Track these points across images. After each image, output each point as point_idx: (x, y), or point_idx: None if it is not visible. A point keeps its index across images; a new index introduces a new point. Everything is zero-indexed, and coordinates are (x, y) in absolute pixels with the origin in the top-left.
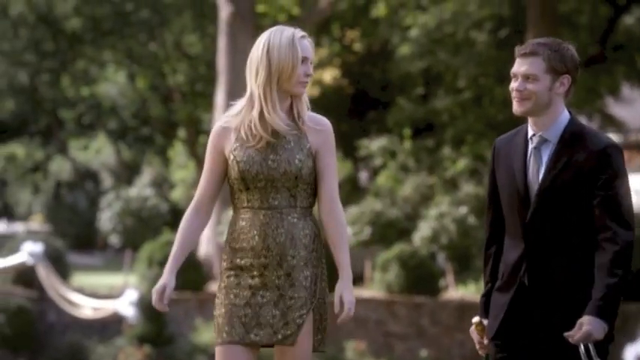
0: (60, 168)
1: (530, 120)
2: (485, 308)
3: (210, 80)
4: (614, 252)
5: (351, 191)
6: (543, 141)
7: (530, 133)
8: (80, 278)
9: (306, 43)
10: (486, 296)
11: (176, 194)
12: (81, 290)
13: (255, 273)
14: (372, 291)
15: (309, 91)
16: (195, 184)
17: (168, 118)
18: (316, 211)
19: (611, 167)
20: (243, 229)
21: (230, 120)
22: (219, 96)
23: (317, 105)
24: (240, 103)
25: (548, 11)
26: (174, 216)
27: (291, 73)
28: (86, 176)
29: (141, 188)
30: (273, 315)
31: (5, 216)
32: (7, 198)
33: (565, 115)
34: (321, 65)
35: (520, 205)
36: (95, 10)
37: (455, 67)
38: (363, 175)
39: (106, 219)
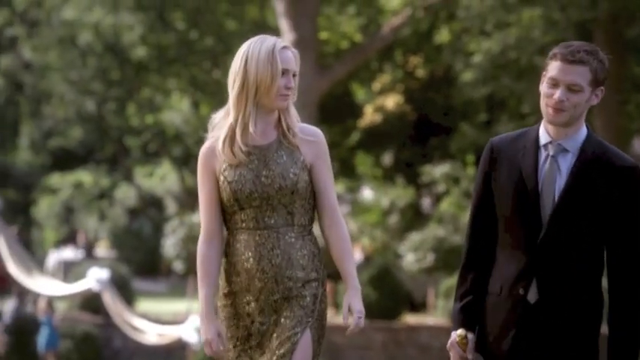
0: (125, 195)
1: (548, 126)
2: (467, 320)
3: None
4: (636, 299)
5: (414, 218)
6: (562, 150)
7: (543, 139)
8: (145, 304)
9: (288, 54)
10: (468, 308)
11: None
12: (145, 316)
13: (250, 298)
14: (436, 318)
15: (371, 118)
16: None
17: None
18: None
19: (634, 191)
20: (237, 251)
21: (215, 134)
22: None
23: (379, 131)
24: (219, 116)
25: (615, 36)
26: None
27: (270, 85)
28: (151, 203)
29: None
30: (271, 339)
31: (72, 242)
32: (74, 225)
33: (584, 127)
34: (383, 92)
35: (529, 214)
36: (160, 39)
37: (519, 93)
38: (426, 202)
39: (170, 245)
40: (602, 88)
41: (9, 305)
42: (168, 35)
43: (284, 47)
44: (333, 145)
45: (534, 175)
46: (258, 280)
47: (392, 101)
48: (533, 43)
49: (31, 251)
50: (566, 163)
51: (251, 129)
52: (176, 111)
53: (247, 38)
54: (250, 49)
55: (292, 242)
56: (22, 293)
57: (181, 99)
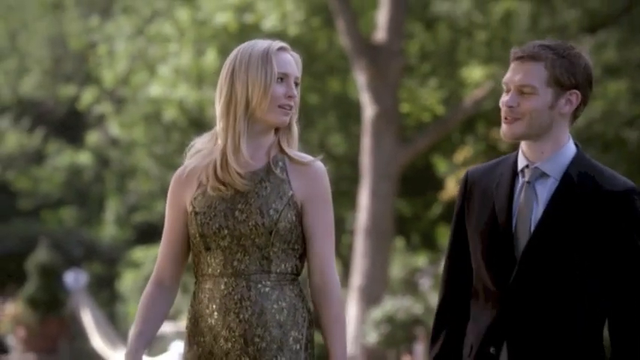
0: None
1: (523, 147)
2: None
3: (355, 180)
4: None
5: None
6: (540, 175)
7: (521, 163)
8: None
9: (286, 57)
10: None
11: None
12: None
13: None
14: None
15: (453, 191)
16: (340, 283)
17: None
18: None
19: (634, 219)
20: (201, 304)
21: (194, 160)
22: (363, 195)
23: None
24: (201, 141)
25: None
26: (317, 317)
27: (263, 95)
28: None
29: None
30: None
31: None
32: None
33: (571, 146)
34: (465, 164)
35: (500, 255)
36: None
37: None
38: None
39: None
40: (576, 92)
41: None
42: None
43: (281, 48)
44: (413, 218)
45: (507, 207)
46: (223, 340)
47: None
48: (620, 116)
49: (115, 325)
50: (546, 191)
51: (240, 153)
52: None
53: (329, 112)
54: (239, 53)
55: (267, 292)
56: None
57: None
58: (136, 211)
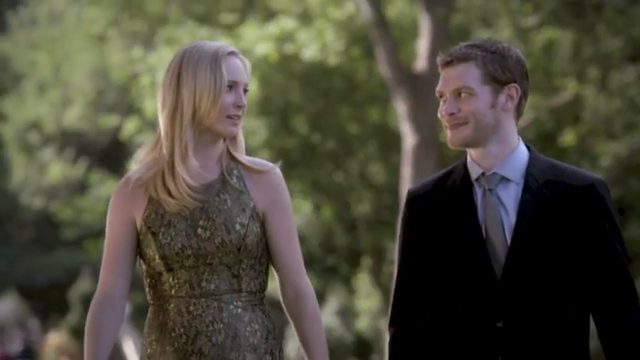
0: None
1: (473, 154)
2: None
3: (395, 209)
4: (630, 346)
5: None
6: (499, 180)
7: (474, 172)
8: None
9: (236, 63)
10: None
11: (361, 324)
12: None
13: None
14: None
15: None
16: (381, 313)
17: (353, 247)
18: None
19: (604, 213)
20: (164, 327)
21: (138, 171)
22: None
23: None
24: (143, 151)
25: None
26: (359, 346)
27: (212, 104)
28: (273, 306)
29: (326, 318)
30: None
31: None
32: None
33: (522, 146)
34: None
35: (476, 270)
36: (284, 143)
37: None
38: None
39: (293, 349)
40: (514, 86)
41: None
42: (291, 139)
43: (230, 53)
44: None
45: (472, 220)
46: None
47: None
48: None
49: None
50: (511, 196)
51: (193, 162)
52: (298, 213)
53: (369, 141)
54: (185, 56)
55: (239, 314)
56: None
57: (304, 202)
58: None
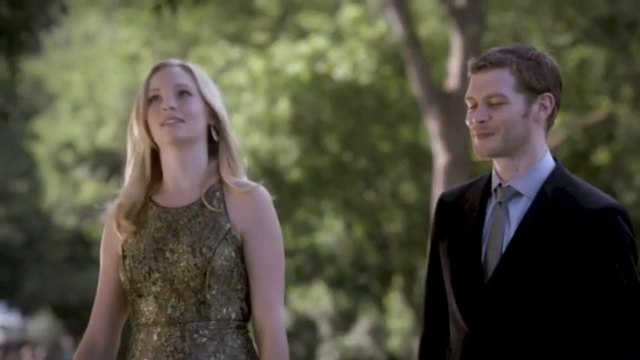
0: None
1: (496, 165)
2: None
3: (426, 228)
4: None
5: None
6: (513, 194)
7: (494, 183)
8: None
9: (159, 75)
10: None
11: (393, 344)
12: None
13: None
14: None
15: None
16: (413, 332)
17: (385, 266)
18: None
19: (612, 241)
20: (133, 357)
21: (127, 194)
22: None
23: None
24: (130, 163)
25: None
26: None
27: (143, 118)
28: (305, 325)
29: (358, 337)
30: None
31: None
32: None
33: (548, 160)
34: None
35: (468, 286)
36: (315, 161)
37: None
38: None
39: None
40: (548, 95)
41: None
42: (323, 157)
43: (156, 69)
44: None
45: (476, 232)
46: None
47: None
48: None
49: None
50: (518, 211)
51: (168, 185)
52: (329, 232)
53: (400, 160)
54: None
55: (203, 344)
56: None
57: (335, 220)
58: None
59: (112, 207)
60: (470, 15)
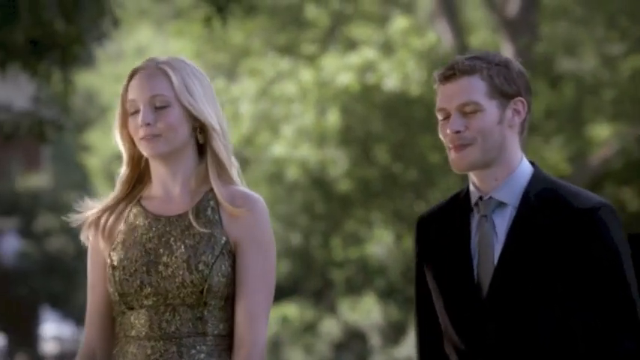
0: (330, 328)
1: (474, 177)
2: None
3: None
4: None
5: None
6: (496, 205)
7: (474, 197)
8: None
9: (134, 84)
10: None
11: None
12: None
13: None
14: None
15: None
16: None
17: None
18: None
19: (603, 238)
20: None
21: (114, 199)
22: None
23: None
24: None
25: None
26: None
27: (125, 128)
28: (355, 336)
29: (408, 349)
30: None
31: None
32: (280, 359)
33: (525, 166)
34: None
35: (464, 304)
36: (365, 173)
37: None
38: None
39: None
40: (520, 99)
41: None
42: (373, 169)
43: (132, 75)
44: None
45: (464, 250)
46: None
47: None
48: None
49: None
50: (504, 221)
51: (160, 192)
52: (379, 243)
53: (450, 171)
54: None
55: (202, 359)
56: None
57: (385, 231)
58: None
59: (96, 210)
60: (521, 25)
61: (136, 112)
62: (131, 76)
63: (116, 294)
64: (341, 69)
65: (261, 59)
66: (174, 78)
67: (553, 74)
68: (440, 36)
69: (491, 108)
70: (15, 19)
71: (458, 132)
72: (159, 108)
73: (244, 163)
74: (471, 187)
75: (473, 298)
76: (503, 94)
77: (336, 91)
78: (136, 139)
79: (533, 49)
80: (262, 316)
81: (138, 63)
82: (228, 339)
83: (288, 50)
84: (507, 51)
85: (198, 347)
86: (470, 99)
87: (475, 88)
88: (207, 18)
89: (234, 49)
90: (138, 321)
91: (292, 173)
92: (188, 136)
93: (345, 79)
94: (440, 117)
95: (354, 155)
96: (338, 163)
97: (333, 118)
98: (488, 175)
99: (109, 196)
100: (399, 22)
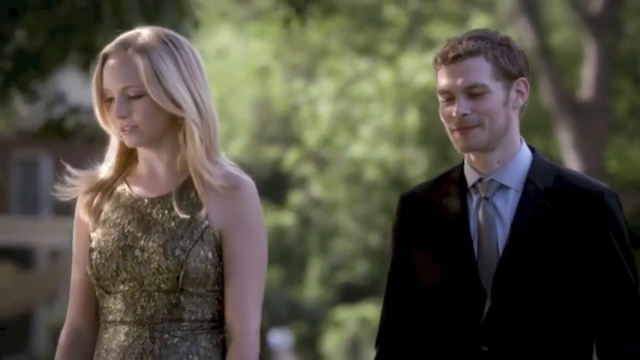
0: None
1: (472, 158)
2: None
3: None
4: None
5: None
6: (498, 187)
7: (471, 178)
8: None
9: (108, 71)
10: None
11: None
12: None
13: None
14: None
15: None
16: None
17: None
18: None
19: (610, 226)
20: (99, 356)
21: (103, 175)
22: None
23: None
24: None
25: None
26: None
27: (105, 115)
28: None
29: None
30: None
31: None
32: None
33: (525, 149)
34: None
35: (463, 290)
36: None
37: None
38: None
39: None
40: (523, 79)
41: None
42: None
43: (103, 60)
44: None
45: (464, 232)
46: None
47: None
48: None
49: None
50: (508, 205)
51: (144, 170)
52: None
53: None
54: None
55: (174, 344)
56: None
57: None
58: (338, 271)
59: (88, 176)
60: (605, 22)
61: (112, 99)
62: (103, 62)
63: (93, 277)
64: (420, 69)
65: (340, 59)
66: (142, 66)
67: (638, 72)
68: (521, 35)
69: (497, 90)
70: (97, 21)
71: (465, 115)
72: (133, 97)
73: (323, 163)
74: (467, 168)
75: (474, 280)
76: (507, 75)
77: (415, 90)
78: (117, 130)
79: (617, 47)
80: (252, 305)
81: (142, 31)
82: (206, 324)
83: (367, 50)
84: (590, 49)
85: (172, 332)
86: (476, 81)
87: (481, 70)
88: (286, 19)
89: (313, 50)
90: (114, 306)
91: (371, 173)
92: (168, 122)
93: (424, 78)
94: (442, 99)
95: (432, 155)
96: (417, 162)
97: (412, 118)
98: (491, 158)
99: (101, 169)
100: (479, 21)
